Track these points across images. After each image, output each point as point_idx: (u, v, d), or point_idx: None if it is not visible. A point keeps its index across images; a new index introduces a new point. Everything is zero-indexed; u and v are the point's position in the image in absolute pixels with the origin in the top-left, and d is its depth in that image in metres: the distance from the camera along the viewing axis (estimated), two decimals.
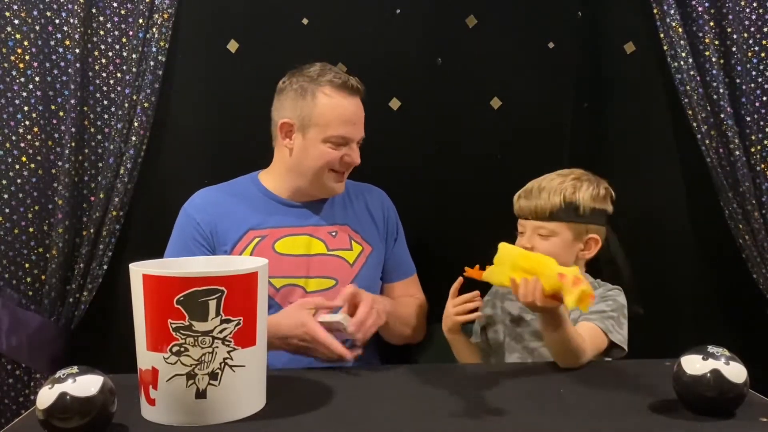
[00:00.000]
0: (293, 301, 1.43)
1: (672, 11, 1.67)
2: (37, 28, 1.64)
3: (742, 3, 1.71)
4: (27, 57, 1.63)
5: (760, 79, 1.73)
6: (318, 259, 1.50)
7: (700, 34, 1.69)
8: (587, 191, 1.39)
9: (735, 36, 1.69)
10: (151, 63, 1.65)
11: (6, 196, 1.63)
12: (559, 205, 1.38)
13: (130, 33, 1.67)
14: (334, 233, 1.54)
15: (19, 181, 1.64)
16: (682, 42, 1.68)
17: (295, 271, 1.48)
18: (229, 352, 1.00)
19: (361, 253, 1.55)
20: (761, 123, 1.73)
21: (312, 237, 1.52)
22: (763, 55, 1.73)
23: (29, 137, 1.64)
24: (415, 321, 1.57)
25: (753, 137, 1.71)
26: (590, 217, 1.40)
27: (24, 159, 1.64)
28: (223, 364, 0.99)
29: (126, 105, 1.65)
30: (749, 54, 1.73)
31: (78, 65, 1.63)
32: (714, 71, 1.68)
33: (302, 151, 1.49)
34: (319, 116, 1.46)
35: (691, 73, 1.68)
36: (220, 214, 1.51)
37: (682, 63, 1.68)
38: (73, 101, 1.63)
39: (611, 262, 1.47)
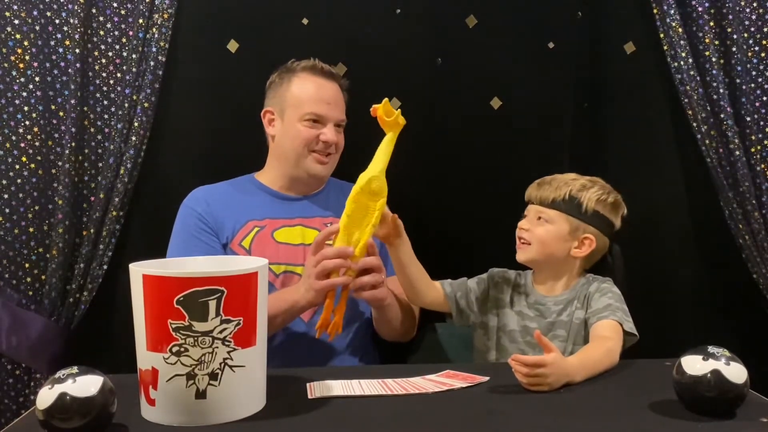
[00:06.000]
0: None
1: (672, 11, 1.68)
2: (37, 28, 1.64)
3: (742, 3, 1.71)
4: (27, 57, 1.63)
5: (760, 79, 1.73)
6: None
7: (700, 34, 1.69)
8: (595, 193, 1.42)
9: (735, 36, 1.70)
10: (151, 63, 1.65)
11: (6, 196, 1.63)
12: (563, 196, 1.41)
13: (130, 33, 1.67)
14: (329, 224, 1.57)
15: (19, 181, 1.64)
16: (682, 42, 1.68)
17: (293, 259, 1.53)
18: (229, 353, 1.00)
19: None
20: (761, 123, 1.73)
21: (305, 227, 1.57)
22: (763, 55, 1.73)
23: (29, 137, 1.64)
24: (408, 318, 1.58)
25: (753, 137, 1.71)
26: (591, 217, 1.41)
27: (24, 159, 1.64)
28: (223, 365, 0.99)
29: (126, 105, 1.65)
30: (749, 54, 1.73)
31: (78, 65, 1.64)
32: (714, 71, 1.68)
33: (282, 135, 1.57)
34: (292, 97, 1.56)
35: (691, 73, 1.68)
36: (220, 207, 1.56)
37: (682, 63, 1.69)
38: (73, 101, 1.63)
39: (613, 279, 1.47)
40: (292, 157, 1.56)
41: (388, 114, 1.29)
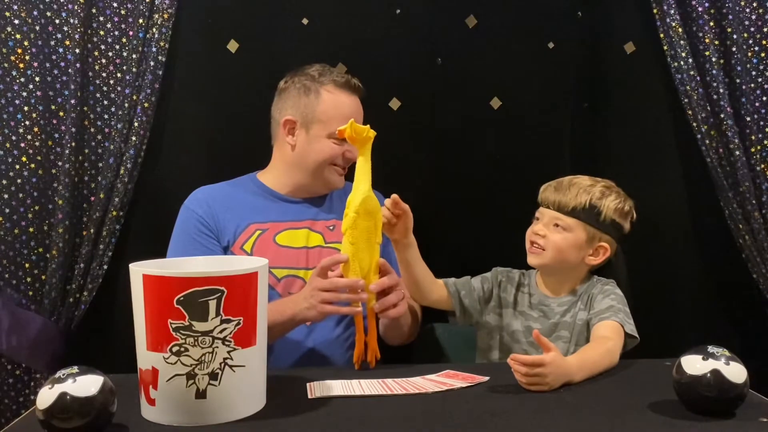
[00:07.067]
0: (294, 292, 1.46)
1: (672, 11, 1.68)
2: (37, 28, 1.64)
3: (742, 3, 1.71)
4: (27, 57, 1.63)
5: (760, 79, 1.73)
6: (316, 251, 1.53)
7: (700, 34, 1.69)
8: (613, 201, 1.42)
9: (735, 36, 1.70)
10: (151, 63, 1.65)
11: (6, 196, 1.63)
12: (584, 204, 1.40)
13: (130, 33, 1.67)
14: (331, 227, 1.57)
15: (19, 181, 1.64)
16: (682, 42, 1.68)
17: (296, 262, 1.52)
18: (229, 352, 1.00)
19: None
20: (761, 123, 1.73)
21: (311, 230, 1.56)
22: (763, 55, 1.73)
23: (29, 137, 1.64)
24: (414, 323, 1.57)
25: (753, 137, 1.71)
26: (608, 226, 1.42)
27: (24, 159, 1.64)
28: (223, 364, 0.99)
29: (126, 105, 1.65)
30: (749, 54, 1.73)
31: (78, 65, 1.63)
32: (714, 71, 1.68)
33: (306, 146, 1.54)
34: (322, 113, 1.52)
35: (691, 73, 1.68)
36: (222, 209, 1.54)
37: (682, 63, 1.69)
38: (73, 101, 1.63)
39: (615, 278, 1.47)
40: (313, 169, 1.54)
41: (358, 132, 1.28)
